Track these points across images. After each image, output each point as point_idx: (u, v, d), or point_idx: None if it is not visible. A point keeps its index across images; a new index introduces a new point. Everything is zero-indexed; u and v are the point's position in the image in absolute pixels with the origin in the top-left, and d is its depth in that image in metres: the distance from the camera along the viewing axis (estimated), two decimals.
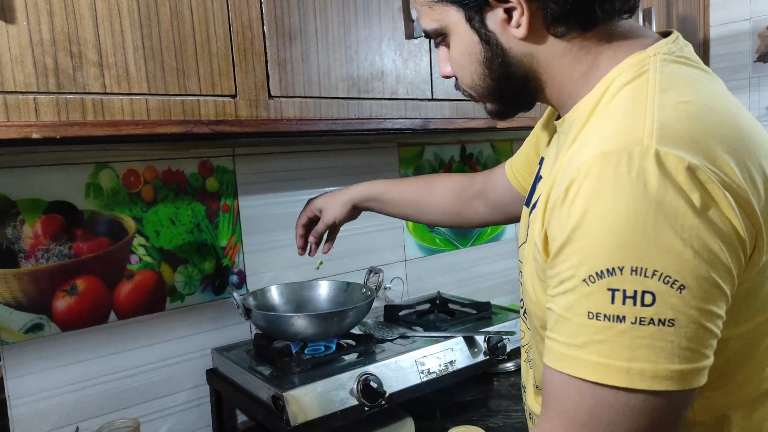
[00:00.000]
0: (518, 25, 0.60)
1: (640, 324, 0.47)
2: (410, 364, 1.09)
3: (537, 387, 0.75)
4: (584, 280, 0.49)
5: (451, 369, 1.14)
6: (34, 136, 0.72)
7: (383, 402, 1.01)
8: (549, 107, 0.81)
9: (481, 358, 1.18)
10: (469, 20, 0.62)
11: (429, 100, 1.15)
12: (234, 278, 1.28)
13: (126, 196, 1.14)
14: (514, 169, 0.95)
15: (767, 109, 1.75)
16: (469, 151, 1.71)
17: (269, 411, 0.98)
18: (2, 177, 1.01)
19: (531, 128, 1.42)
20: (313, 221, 1.12)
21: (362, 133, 1.10)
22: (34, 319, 1.04)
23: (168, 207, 1.18)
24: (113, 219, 1.12)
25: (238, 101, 0.90)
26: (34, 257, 1.04)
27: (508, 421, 1.17)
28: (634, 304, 0.47)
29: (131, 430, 1.07)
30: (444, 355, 1.14)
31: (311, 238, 1.11)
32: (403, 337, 1.20)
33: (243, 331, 1.27)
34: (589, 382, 0.49)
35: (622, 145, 0.49)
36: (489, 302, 1.38)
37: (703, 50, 1.85)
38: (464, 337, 1.17)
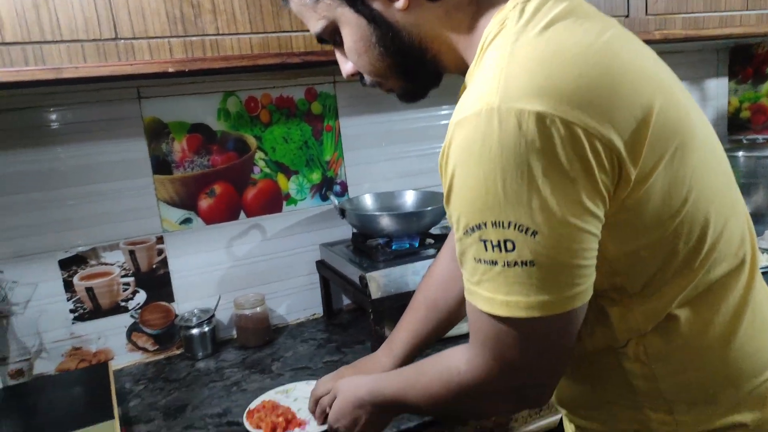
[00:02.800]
0: None
1: (508, 266, 0.54)
2: None
3: None
4: (465, 233, 0.57)
5: None
6: (170, 70, 0.97)
7: None
8: None
9: None
10: (352, 5, 0.66)
11: None
12: (337, 188, 1.52)
13: (248, 118, 1.40)
14: None
15: None
16: None
17: (357, 289, 1.22)
18: (157, 104, 1.31)
19: None
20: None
21: None
22: (185, 214, 1.37)
23: (281, 127, 1.43)
24: (239, 137, 1.40)
25: None
26: (182, 167, 1.35)
27: None
28: (501, 250, 0.54)
29: (259, 303, 1.38)
30: None
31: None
32: None
33: (345, 230, 1.52)
34: (484, 312, 0.58)
35: (476, 109, 0.53)
36: None
37: None
38: None
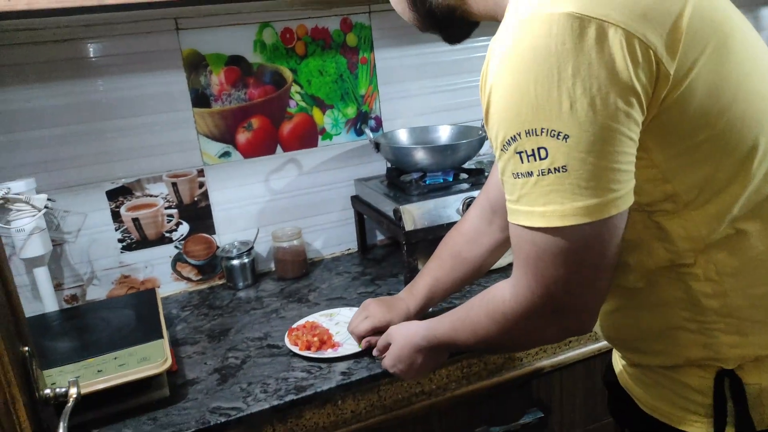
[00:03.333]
0: None
1: (542, 175, 0.55)
2: None
3: None
4: (501, 149, 0.58)
5: None
6: None
7: None
8: None
9: None
10: None
11: None
12: (372, 122, 1.52)
13: (284, 50, 1.39)
14: None
15: None
16: None
17: (391, 221, 1.24)
18: (194, 35, 1.31)
19: None
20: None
21: None
22: (223, 147, 1.39)
23: (316, 60, 1.42)
24: (275, 70, 1.40)
25: None
26: (221, 100, 1.36)
27: None
28: (535, 159, 0.55)
29: (296, 236, 1.41)
30: None
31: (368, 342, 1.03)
32: None
33: (379, 166, 1.52)
34: (525, 227, 0.58)
35: (509, 24, 0.55)
36: None
37: None
38: None
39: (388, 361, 0.92)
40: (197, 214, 1.40)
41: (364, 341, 1.01)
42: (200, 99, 1.34)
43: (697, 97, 0.56)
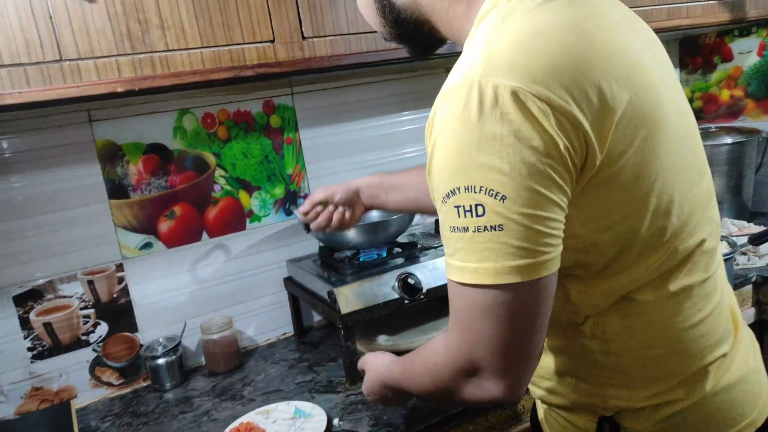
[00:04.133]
0: None
1: (478, 231, 0.56)
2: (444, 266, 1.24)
3: None
4: (442, 201, 0.58)
5: None
6: (119, 90, 0.93)
7: (422, 296, 1.19)
8: None
9: None
10: None
11: None
12: (301, 201, 1.49)
13: (205, 135, 1.36)
14: None
15: None
16: None
17: (327, 304, 1.19)
18: (110, 126, 1.26)
19: None
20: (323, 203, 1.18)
21: (392, 62, 1.22)
22: (144, 238, 1.32)
23: (240, 143, 1.40)
24: (197, 155, 1.36)
25: (276, 45, 1.06)
26: (139, 190, 1.30)
27: None
28: (472, 215, 0.56)
29: (226, 326, 1.33)
30: None
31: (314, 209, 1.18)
32: None
33: (312, 245, 1.48)
34: (458, 283, 0.59)
35: (460, 81, 0.56)
36: None
37: None
38: None
39: (365, 389, 0.93)
40: (117, 312, 1.30)
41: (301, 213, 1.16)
42: (117, 190, 1.28)
43: (620, 183, 0.59)
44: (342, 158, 1.53)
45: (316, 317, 1.53)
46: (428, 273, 1.22)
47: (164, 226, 1.33)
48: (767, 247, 1.52)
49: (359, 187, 1.16)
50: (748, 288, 1.44)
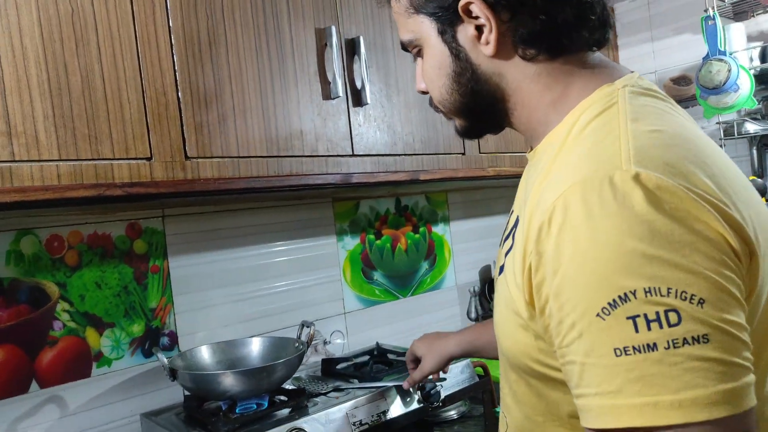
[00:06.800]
0: (487, 43, 0.61)
1: (674, 347, 0.43)
2: (341, 417, 1.09)
3: None
4: (598, 315, 0.45)
5: (383, 419, 1.14)
6: None
7: None
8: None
9: (415, 406, 1.19)
10: (441, 33, 0.64)
11: (350, 155, 1.20)
12: (165, 340, 1.27)
13: (48, 261, 1.13)
14: None
15: None
16: (404, 204, 1.77)
17: None
18: None
19: (455, 179, 1.48)
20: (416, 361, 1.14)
21: (283, 190, 1.13)
22: None
23: (93, 271, 1.18)
24: (35, 285, 1.11)
25: (153, 163, 0.92)
26: None
27: None
28: (661, 326, 0.43)
29: None
30: (376, 405, 1.14)
31: (409, 384, 1.14)
32: (337, 389, 1.20)
33: (175, 394, 1.25)
34: (641, 428, 0.44)
35: (603, 172, 0.48)
36: None
37: None
38: (396, 387, 1.18)
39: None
40: None
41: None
42: None
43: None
44: (217, 289, 1.35)
45: None
46: (320, 428, 1.05)
47: None
48: None
49: (453, 356, 1.09)
50: None
